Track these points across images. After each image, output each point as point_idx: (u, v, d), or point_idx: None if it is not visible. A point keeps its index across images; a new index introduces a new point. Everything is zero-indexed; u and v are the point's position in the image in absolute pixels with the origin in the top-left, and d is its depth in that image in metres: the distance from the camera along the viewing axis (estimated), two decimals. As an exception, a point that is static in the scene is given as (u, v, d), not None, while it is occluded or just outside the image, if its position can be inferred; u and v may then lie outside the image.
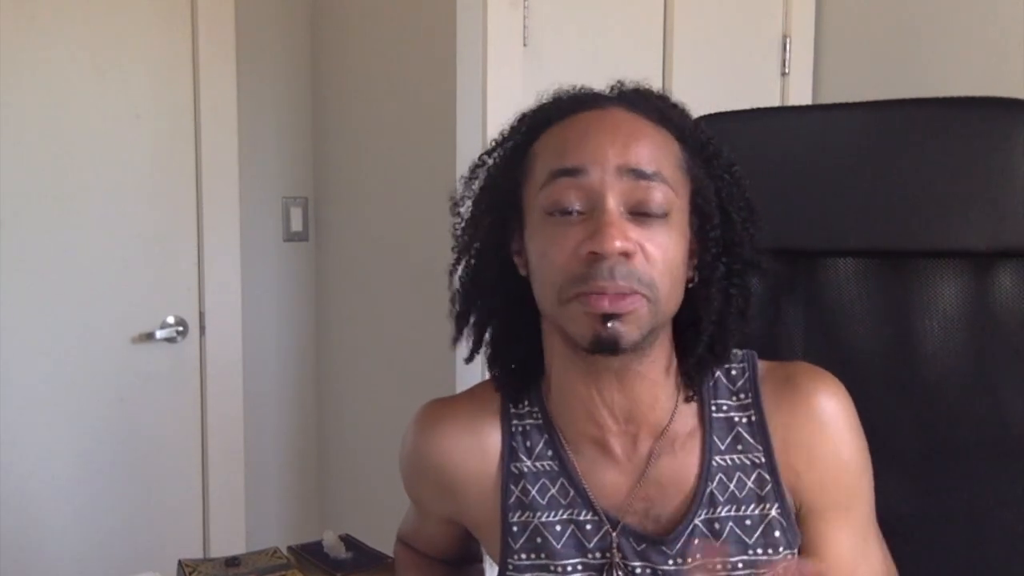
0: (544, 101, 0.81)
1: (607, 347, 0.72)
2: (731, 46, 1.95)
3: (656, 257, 0.72)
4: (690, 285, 0.77)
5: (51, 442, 1.93)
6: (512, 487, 0.83)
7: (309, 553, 1.10)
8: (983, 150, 0.90)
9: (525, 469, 0.83)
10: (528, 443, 0.84)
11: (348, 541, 1.12)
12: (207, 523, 2.13)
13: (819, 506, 0.79)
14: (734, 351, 0.84)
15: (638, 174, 0.72)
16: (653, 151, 0.74)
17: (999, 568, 0.92)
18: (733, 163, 0.80)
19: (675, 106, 0.80)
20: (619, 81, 0.82)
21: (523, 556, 0.82)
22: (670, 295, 0.74)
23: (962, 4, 1.80)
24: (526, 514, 0.82)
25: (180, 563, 1.07)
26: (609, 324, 0.71)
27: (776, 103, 1.98)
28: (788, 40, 1.99)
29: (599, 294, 0.70)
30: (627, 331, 0.72)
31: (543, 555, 0.81)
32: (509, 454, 0.84)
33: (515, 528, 0.82)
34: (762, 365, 0.83)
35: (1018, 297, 0.90)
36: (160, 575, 1.05)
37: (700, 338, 0.78)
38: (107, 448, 1.99)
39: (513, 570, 0.83)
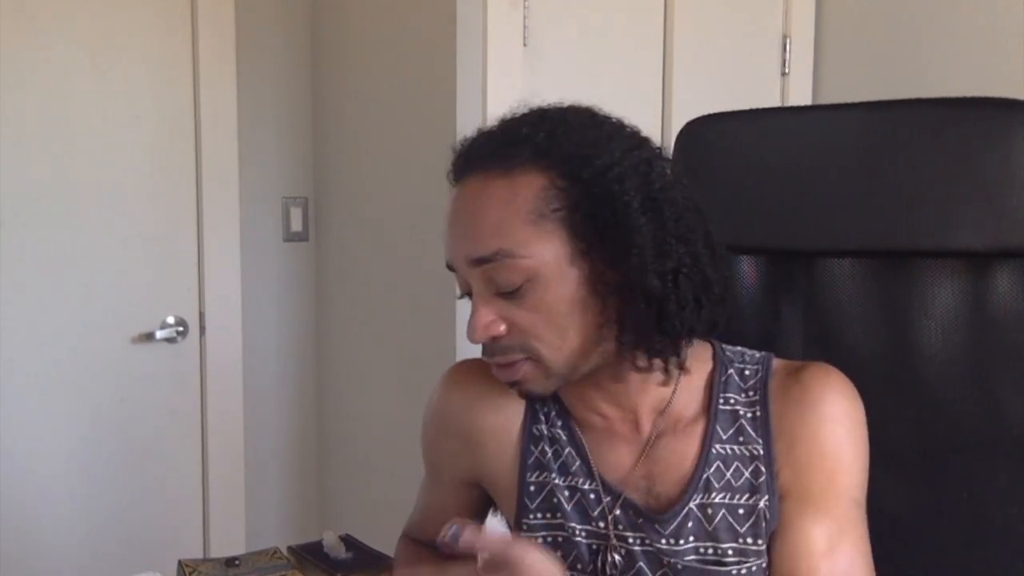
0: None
1: (532, 401, 0.85)
2: (731, 46, 1.95)
3: (526, 324, 0.76)
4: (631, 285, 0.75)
5: (51, 442, 1.93)
6: (532, 447, 0.86)
7: (309, 553, 1.10)
8: (982, 150, 0.90)
9: (544, 431, 0.86)
10: (546, 408, 0.87)
11: (348, 541, 1.12)
12: (207, 523, 2.14)
13: (794, 490, 0.80)
14: (753, 352, 0.86)
15: (481, 261, 0.76)
16: (493, 227, 0.75)
17: (999, 567, 0.92)
18: (611, 165, 0.74)
19: (522, 138, 0.76)
20: (479, 128, 0.82)
21: (538, 516, 0.85)
22: (563, 340, 0.77)
23: (962, 4, 1.80)
24: (544, 475, 0.85)
25: (180, 563, 1.07)
26: (517, 390, 0.81)
27: (776, 103, 1.99)
28: (788, 40, 1.99)
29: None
30: (532, 389, 0.80)
31: (558, 515, 0.84)
32: (531, 416, 0.87)
33: (532, 488, 0.85)
34: (776, 363, 0.85)
35: (1016, 297, 0.90)
36: (160, 575, 1.05)
37: (658, 328, 0.77)
38: (107, 448, 1.99)
39: (528, 530, 0.85)
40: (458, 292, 0.82)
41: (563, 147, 0.75)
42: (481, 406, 0.89)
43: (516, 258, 0.74)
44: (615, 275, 0.75)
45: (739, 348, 0.87)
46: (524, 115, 0.80)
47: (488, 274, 0.76)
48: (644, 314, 0.76)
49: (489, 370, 0.87)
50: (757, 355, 0.86)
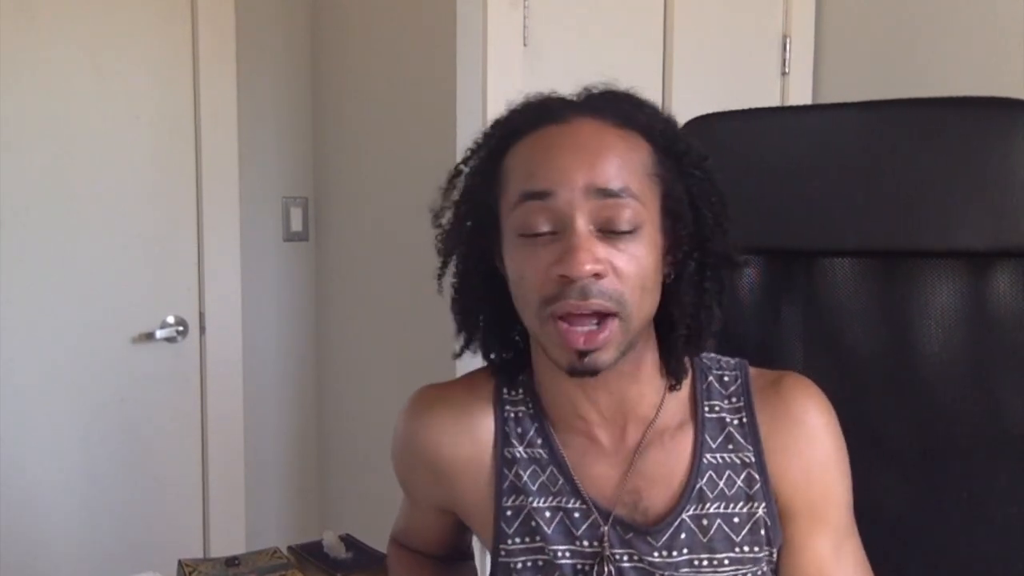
0: (514, 108, 0.81)
1: (586, 374, 0.75)
2: (731, 46, 1.95)
3: (626, 272, 0.73)
4: (667, 282, 0.78)
5: (51, 442, 1.93)
6: (506, 472, 0.84)
7: (309, 553, 1.10)
8: (982, 150, 0.90)
9: (518, 454, 0.84)
10: (520, 429, 0.85)
11: (348, 541, 1.12)
12: (207, 523, 2.14)
13: (797, 509, 0.80)
14: (727, 359, 0.86)
15: (605, 193, 0.72)
16: (620, 166, 0.73)
17: (997, 567, 0.92)
18: (704, 158, 0.79)
19: (644, 105, 0.80)
20: (586, 87, 0.81)
21: (516, 540, 0.83)
22: (642, 305, 0.75)
23: (962, 4, 1.80)
24: (520, 498, 0.83)
25: (180, 563, 1.07)
26: (586, 359, 0.73)
27: (776, 103, 1.99)
28: (788, 40, 1.99)
29: (572, 326, 0.72)
30: (604, 359, 0.74)
31: (537, 539, 0.82)
32: (502, 439, 0.85)
33: (509, 512, 0.83)
34: (752, 372, 0.85)
35: (1016, 297, 0.90)
36: (160, 575, 1.05)
37: (677, 332, 0.79)
38: (107, 448, 1.99)
39: (506, 555, 0.83)
40: (527, 228, 0.74)
41: (665, 128, 0.78)
42: (448, 437, 0.86)
43: (637, 201, 0.73)
44: (686, 256, 0.77)
45: (712, 355, 0.87)
46: (622, 89, 0.81)
47: (605, 210, 0.72)
48: (690, 305, 0.78)
49: (453, 395, 0.87)
50: (732, 361, 0.86)
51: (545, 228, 0.73)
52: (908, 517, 0.95)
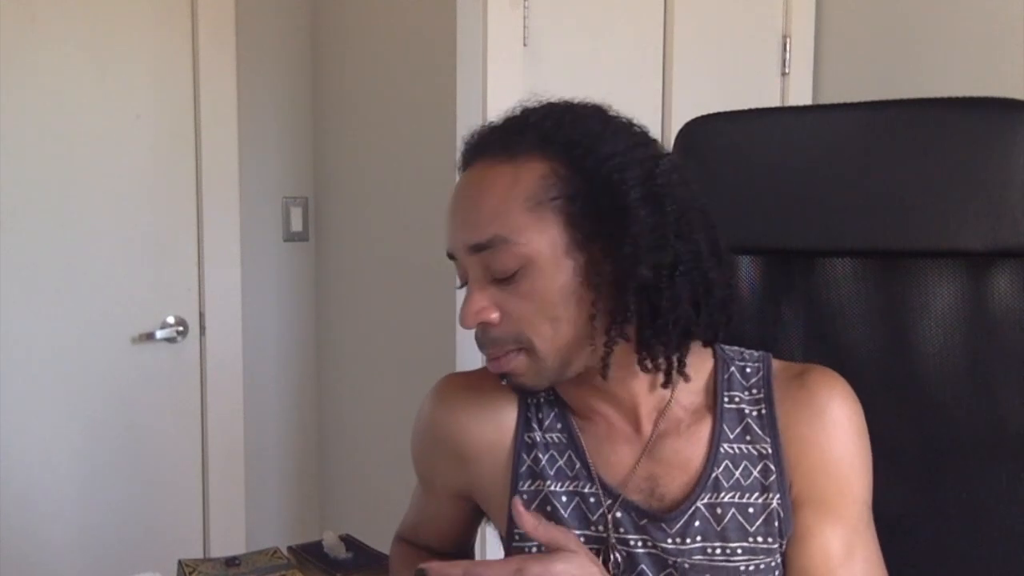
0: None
1: (524, 394, 0.84)
2: (731, 46, 1.95)
3: (517, 313, 0.76)
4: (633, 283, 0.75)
5: (51, 442, 1.93)
6: (524, 456, 0.86)
7: (309, 553, 1.10)
8: (982, 150, 0.90)
9: (537, 439, 0.86)
10: (540, 415, 0.87)
11: (348, 541, 1.12)
12: (207, 523, 2.14)
13: (809, 498, 0.80)
14: (751, 352, 0.86)
15: (477, 247, 0.76)
16: (492, 212, 0.75)
17: (996, 567, 0.92)
18: (613, 155, 0.75)
19: (534, 126, 0.77)
20: (505, 112, 0.82)
21: None
22: (556, 332, 0.76)
23: (962, 4, 1.80)
24: (536, 483, 0.85)
25: (180, 563, 1.07)
26: (504, 381, 0.81)
27: (776, 103, 1.99)
28: (788, 40, 1.99)
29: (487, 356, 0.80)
30: (524, 382, 0.79)
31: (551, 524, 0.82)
32: (524, 424, 0.87)
33: (525, 496, 0.84)
34: (776, 364, 0.85)
35: (1015, 297, 0.90)
36: (160, 575, 1.05)
37: (652, 325, 0.77)
38: (107, 448, 1.99)
39: (520, 539, 0.84)
40: (457, 282, 0.81)
41: (568, 135, 0.76)
42: (471, 422, 0.88)
43: (511, 244, 0.75)
44: (610, 266, 0.75)
45: (736, 347, 0.87)
46: (532, 107, 0.81)
47: (485, 260, 0.76)
48: (636, 308, 0.75)
49: (477, 383, 0.89)
50: (756, 354, 0.86)
51: (460, 283, 0.81)
52: (908, 517, 0.94)
